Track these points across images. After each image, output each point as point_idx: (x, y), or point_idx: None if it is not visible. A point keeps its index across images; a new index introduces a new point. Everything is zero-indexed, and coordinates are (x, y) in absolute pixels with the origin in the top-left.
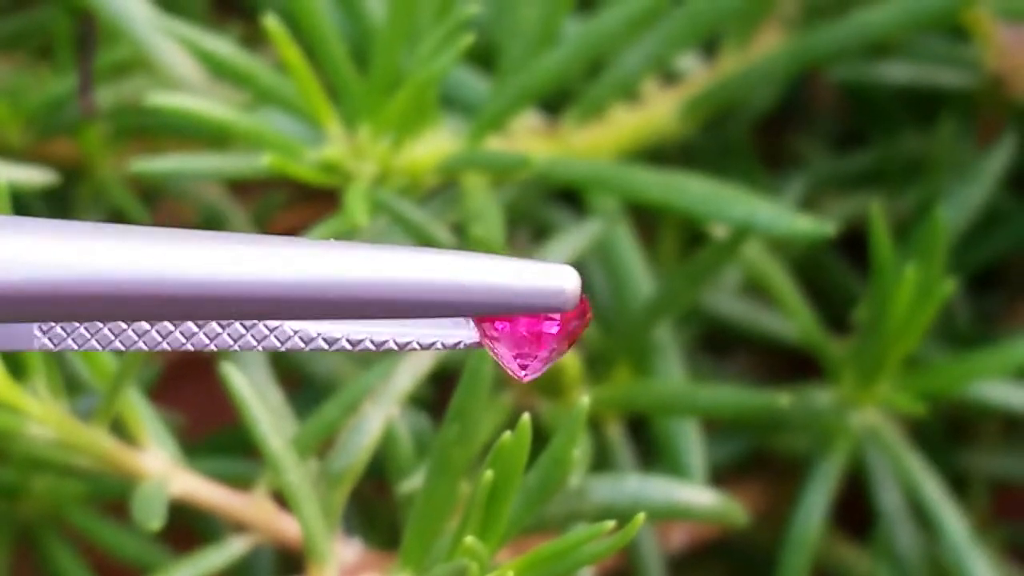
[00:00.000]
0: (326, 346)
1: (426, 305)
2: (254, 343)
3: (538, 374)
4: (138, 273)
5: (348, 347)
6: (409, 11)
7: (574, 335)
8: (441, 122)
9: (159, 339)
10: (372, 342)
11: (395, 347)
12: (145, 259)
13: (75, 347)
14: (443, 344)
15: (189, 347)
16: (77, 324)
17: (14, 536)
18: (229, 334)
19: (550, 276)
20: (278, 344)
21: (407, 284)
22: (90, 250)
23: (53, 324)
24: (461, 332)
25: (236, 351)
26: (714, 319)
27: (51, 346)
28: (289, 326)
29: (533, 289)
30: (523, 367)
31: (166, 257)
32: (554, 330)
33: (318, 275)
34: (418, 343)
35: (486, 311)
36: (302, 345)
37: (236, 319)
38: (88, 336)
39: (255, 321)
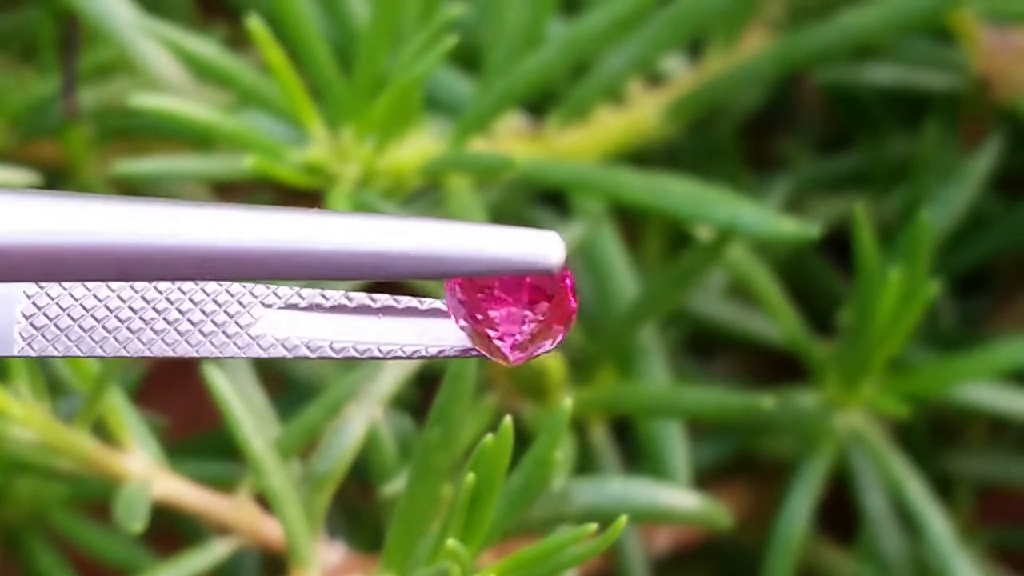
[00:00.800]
0: (309, 353)
1: (416, 267)
2: (236, 350)
3: (528, 356)
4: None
5: (332, 354)
6: (393, 13)
7: (565, 315)
8: (425, 124)
9: (142, 346)
10: (355, 349)
11: (379, 355)
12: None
13: (57, 354)
14: (427, 352)
15: (171, 355)
16: (58, 331)
17: None
18: (212, 342)
19: (536, 241)
20: (260, 351)
21: (398, 246)
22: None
23: (35, 332)
24: (444, 340)
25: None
26: (698, 321)
27: (32, 352)
28: (272, 335)
29: (519, 253)
30: (513, 348)
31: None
32: (544, 306)
33: (309, 237)
34: (402, 351)
35: (473, 274)
36: (285, 353)
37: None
38: (70, 343)
39: (239, 330)
